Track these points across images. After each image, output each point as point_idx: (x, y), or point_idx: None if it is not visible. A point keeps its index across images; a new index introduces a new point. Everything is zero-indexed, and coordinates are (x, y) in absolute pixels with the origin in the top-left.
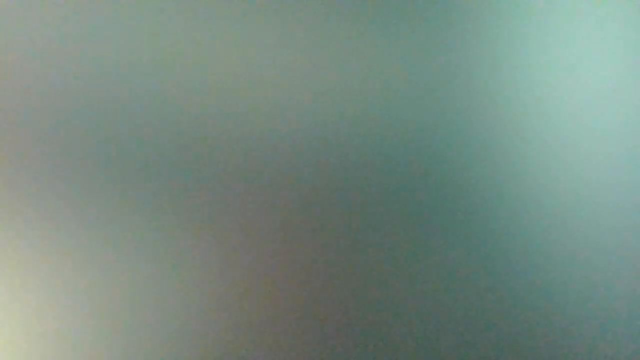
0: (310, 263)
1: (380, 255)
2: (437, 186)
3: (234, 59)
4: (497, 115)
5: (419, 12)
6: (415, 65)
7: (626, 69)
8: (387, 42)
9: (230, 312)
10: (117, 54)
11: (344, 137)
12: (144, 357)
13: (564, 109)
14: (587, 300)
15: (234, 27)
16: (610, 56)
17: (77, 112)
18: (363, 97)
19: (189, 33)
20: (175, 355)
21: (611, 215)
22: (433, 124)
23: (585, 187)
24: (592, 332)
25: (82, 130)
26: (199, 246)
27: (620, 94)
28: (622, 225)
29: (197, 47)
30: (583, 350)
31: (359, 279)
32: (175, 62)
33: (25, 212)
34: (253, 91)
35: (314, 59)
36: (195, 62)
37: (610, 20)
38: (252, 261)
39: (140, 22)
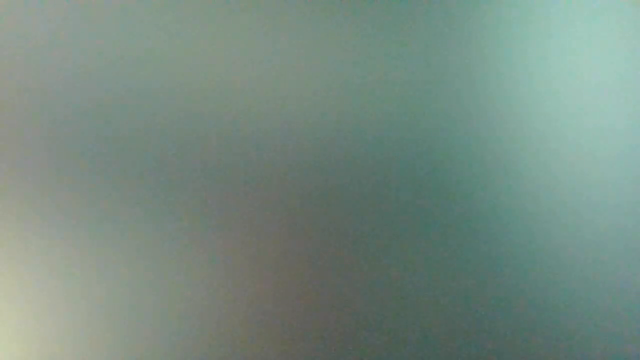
0: (310, 263)
1: (381, 255)
2: (437, 186)
3: (234, 59)
4: (496, 115)
5: (419, 11)
6: (415, 65)
7: (626, 69)
8: (387, 42)
9: (231, 313)
10: (117, 54)
11: (344, 137)
12: (144, 357)
13: (564, 109)
14: (586, 299)
15: (234, 27)
16: (610, 56)
17: (77, 112)
18: (363, 97)
19: (188, 33)
20: (175, 355)
21: (611, 215)
22: (433, 123)
23: (585, 187)
24: (592, 332)
25: (81, 130)
26: (199, 246)
27: (620, 94)
28: (622, 225)
29: (197, 47)
30: (583, 350)
31: (359, 279)
32: (175, 62)
33: (25, 212)
34: (253, 91)
35: (314, 59)
36: (195, 62)
37: (610, 20)
38: (252, 261)
39: (140, 22)
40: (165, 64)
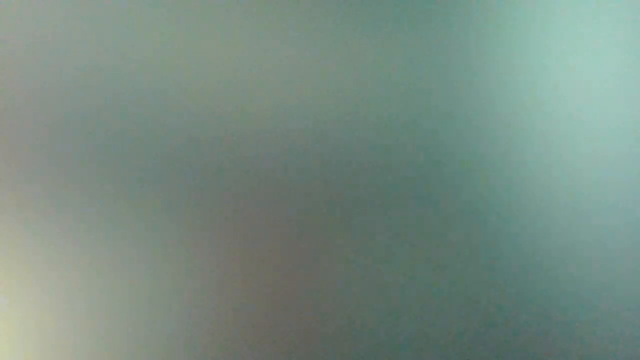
0: (310, 263)
1: (379, 255)
2: (437, 186)
3: (233, 59)
4: (496, 116)
5: (419, 12)
6: (415, 65)
7: (626, 69)
8: (387, 42)
9: (229, 313)
10: (116, 54)
11: (344, 137)
12: (144, 357)
13: (564, 109)
14: (586, 300)
15: (233, 27)
16: (610, 56)
17: (77, 113)
18: (363, 97)
19: (189, 33)
20: (175, 355)
21: (611, 215)
22: (433, 123)
23: (585, 187)
24: (592, 332)
25: (81, 131)
26: (198, 247)
27: (620, 94)
28: (622, 225)
29: (197, 47)
30: (582, 350)
31: (359, 280)
32: (175, 62)
33: (25, 212)
34: (253, 91)
35: (314, 59)
36: (196, 62)
37: (610, 20)
38: (252, 261)
39: (140, 22)
40: (166, 64)
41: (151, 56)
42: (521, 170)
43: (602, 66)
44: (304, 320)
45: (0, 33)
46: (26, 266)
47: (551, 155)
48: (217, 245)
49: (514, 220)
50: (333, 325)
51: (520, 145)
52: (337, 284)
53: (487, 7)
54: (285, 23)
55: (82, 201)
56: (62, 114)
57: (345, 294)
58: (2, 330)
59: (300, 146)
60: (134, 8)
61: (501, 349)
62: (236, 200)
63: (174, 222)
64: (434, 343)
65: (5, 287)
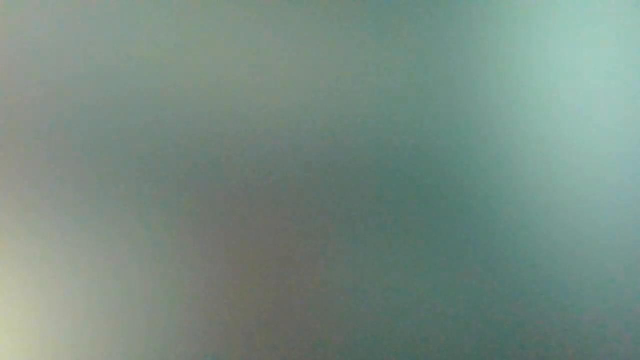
0: (310, 264)
1: (380, 256)
2: (436, 186)
3: (234, 59)
4: (496, 116)
5: (419, 12)
6: (415, 65)
7: (626, 69)
8: (386, 42)
9: (228, 313)
10: (116, 54)
11: (344, 137)
12: (143, 357)
13: (564, 109)
14: (586, 300)
15: (234, 27)
16: (610, 56)
17: (77, 112)
18: (363, 97)
19: (188, 33)
20: (174, 355)
21: (611, 215)
22: (433, 124)
23: (585, 187)
24: (592, 332)
25: (81, 130)
26: (199, 247)
27: (620, 94)
28: (622, 225)
29: (197, 47)
30: (582, 350)
31: (359, 280)
32: (174, 62)
33: (25, 212)
34: (253, 91)
35: (315, 59)
36: (195, 62)
37: (610, 20)
38: (251, 261)
39: (139, 22)
40: (165, 64)
41: (151, 56)
42: (521, 171)
43: (602, 66)
44: (303, 320)
45: (0, 33)
46: (26, 266)
47: (551, 156)
48: (217, 245)
49: (514, 221)
50: (332, 326)
51: (520, 146)
52: (337, 284)
53: (487, 7)
54: (285, 23)
55: (81, 200)
56: (61, 113)
57: (345, 294)
58: (2, 330)
59: (300, 146)
60: (133, 8)
61: (501, 349)
62: (236, 200)
63: (174, 222)
64: (434, 344)
65: (5, 287)
